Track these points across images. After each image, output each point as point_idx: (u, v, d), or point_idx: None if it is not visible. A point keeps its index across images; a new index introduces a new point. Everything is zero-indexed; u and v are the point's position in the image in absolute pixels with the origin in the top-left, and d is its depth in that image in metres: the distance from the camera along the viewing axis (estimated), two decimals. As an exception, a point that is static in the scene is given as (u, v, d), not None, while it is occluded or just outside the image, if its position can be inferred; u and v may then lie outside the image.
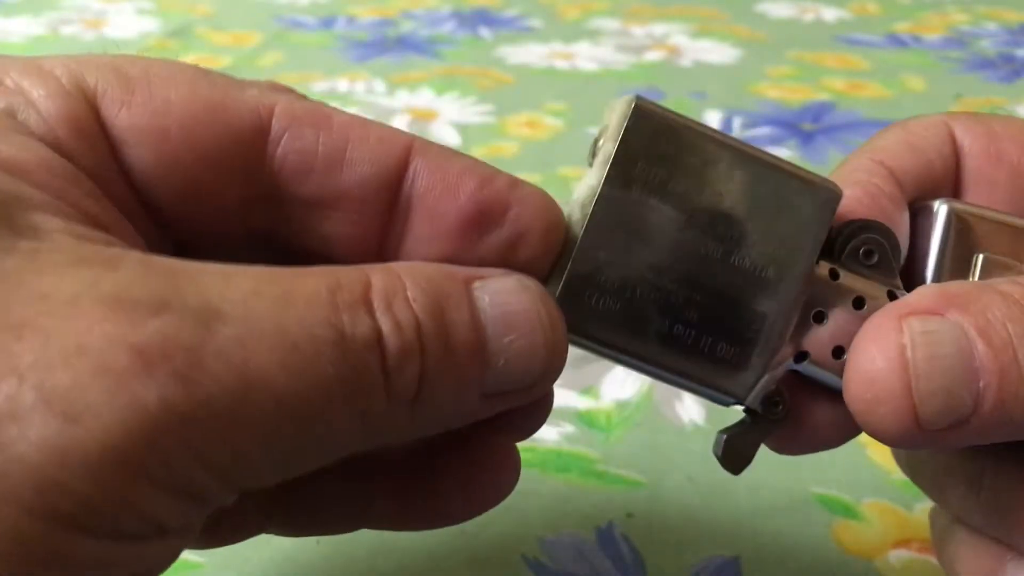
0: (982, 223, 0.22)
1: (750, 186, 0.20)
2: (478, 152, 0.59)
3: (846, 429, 0.22)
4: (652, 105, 0.20)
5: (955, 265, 0.22)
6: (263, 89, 0.20)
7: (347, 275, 0.17)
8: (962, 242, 0.22)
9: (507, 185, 0.19)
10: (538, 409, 0.22)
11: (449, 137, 0.61)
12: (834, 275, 0.21)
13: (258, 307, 0.15)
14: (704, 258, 0.20)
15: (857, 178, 0.22)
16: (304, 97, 0.20)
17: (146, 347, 0.14)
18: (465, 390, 0.18)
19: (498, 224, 0.19)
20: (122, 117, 0.18)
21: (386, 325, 0.16)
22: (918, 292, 0.20)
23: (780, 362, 0.21)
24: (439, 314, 0.17)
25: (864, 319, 0.20)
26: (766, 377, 0.21)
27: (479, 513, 0.23)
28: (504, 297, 0.18)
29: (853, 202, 0.21)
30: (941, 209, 0.22)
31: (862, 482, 0.33)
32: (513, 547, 0.31)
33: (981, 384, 0.18)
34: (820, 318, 0.21)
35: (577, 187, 0.21)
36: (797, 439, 0.22)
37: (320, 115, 0.19)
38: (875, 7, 0.91)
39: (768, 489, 0.33)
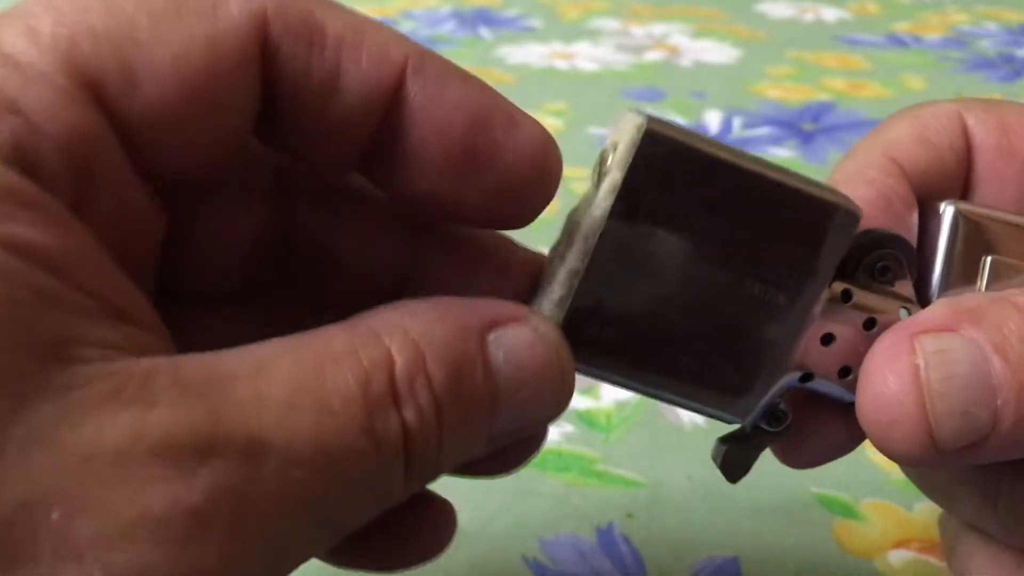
0: (989, 224, 0.21)
1: (765, 209, 0.19)
2: (478, 152, 0.59)
3: (851, 439, 0.21)
4: (663, 127, 0.18)
5: (963, 268, 0.21)
6: None
7: (372, 357, 0.16)
8: (969, 245, 0.21)
9: (503, 127, 0.19)
10: (527, 445, 0.22)
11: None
12: (846, 296, 0.20)
13: (298, 424, 0.15)
14: (713, 286, 0.19)
15: (870, 176, 0.22)
16: None
17: (201, 506, 0.14)
18: (472, 445, 0.18)
19: (488, 169, 0.19)
20: (131, 109, 0.17)
21: (410, 414, 0.16)
22: (930, 309, 0.19)
23: (784, 383, 0.21)
24: (456, 386, 0.17)
25: (872, 340, 0.20)
26: (768, 397, 0.20)
27: (414, 566, 0.22)
28: (519, 353, 0.18)
29: (867, 204, 0.21)
30: (947, 211, 0.21)
31: (862, 482, 0.33)
32: (513, 547, 0.31)
33: (999, 402, 0.18)
34: (828, 340, 0.20)
35: (581, 200, 0.20)
36: (803, 451, 0.22)
37: (313, 25, 0.18)
38: (875, 7, 0.91)
39: (768, 489, 0.33)
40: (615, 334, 0.19)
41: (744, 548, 0.31)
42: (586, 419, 0.36)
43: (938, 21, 0.86)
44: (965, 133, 0.23)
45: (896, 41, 0.81)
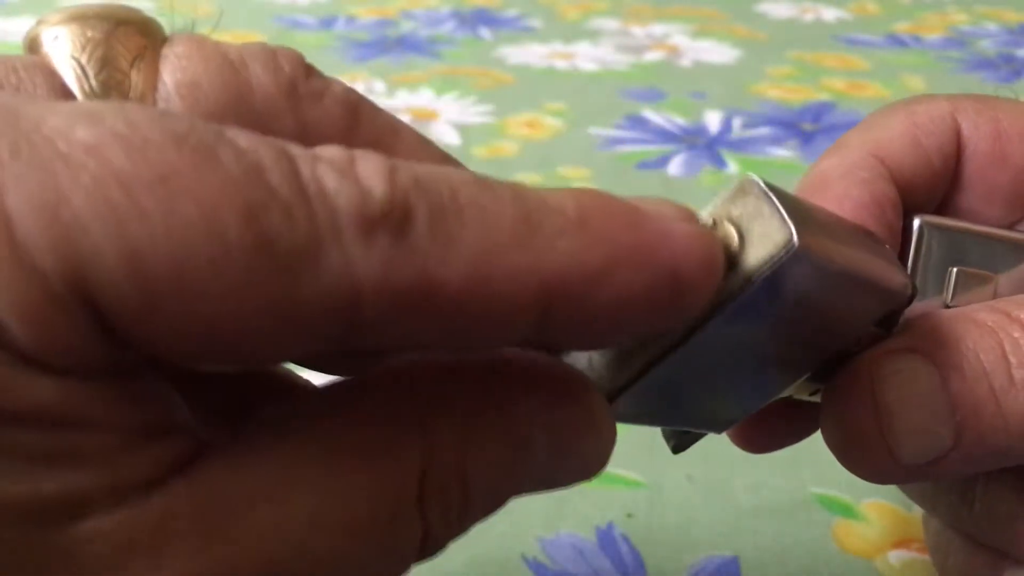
0: (956, 237, 0.22)
1: (845, 296, 0.17)
2: (478, 152, 0.59)
3: (805, 426, 0.22)
4: (813, 250, 0.16)
5: (930, 280, 0.22)
6: (346, 248, 0.12)
7: (408, 461, 0.14)
8: (936, 257, 0.22)
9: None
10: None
11: (449, 137, 0.61)
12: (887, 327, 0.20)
13: (318, 549, 0.13)
14: (762, 360, 0.18)
15: (862, 177, 0.21)
16: (406, 224, 0.13)
17: None
18: (485, 516, 0.16)
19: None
20: (139, 332, 0.12)
21: (433, 517, 0.15)
22: (893, 336, 0.19)
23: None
24: (493, 482, 0.15)
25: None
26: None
27: None
28: (563, 443, 0.16)
29: (860, 208, 0.21)
30: (914, 224, 0.22)
31: (862, 482, 0.33)
32: (513, 547, 0.31)
33: (958, 418, 0.18)
34: (817, 379, 0.20)
35: None
36: (757, 435, 0.22)
37: (427, 284, 0.13)
38: (875, 7, 0.91)
39: (768, 489, 0.33)
40: (659, 403, 0.18)
41: (744, 548, 0.31)
42: (586, 419, 0.36)
43: (938, 21, 0.87)
44: (957, 137, 0.23)
45: (896, 41, 0.81)
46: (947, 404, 0.18)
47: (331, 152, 0.13)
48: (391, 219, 0.12)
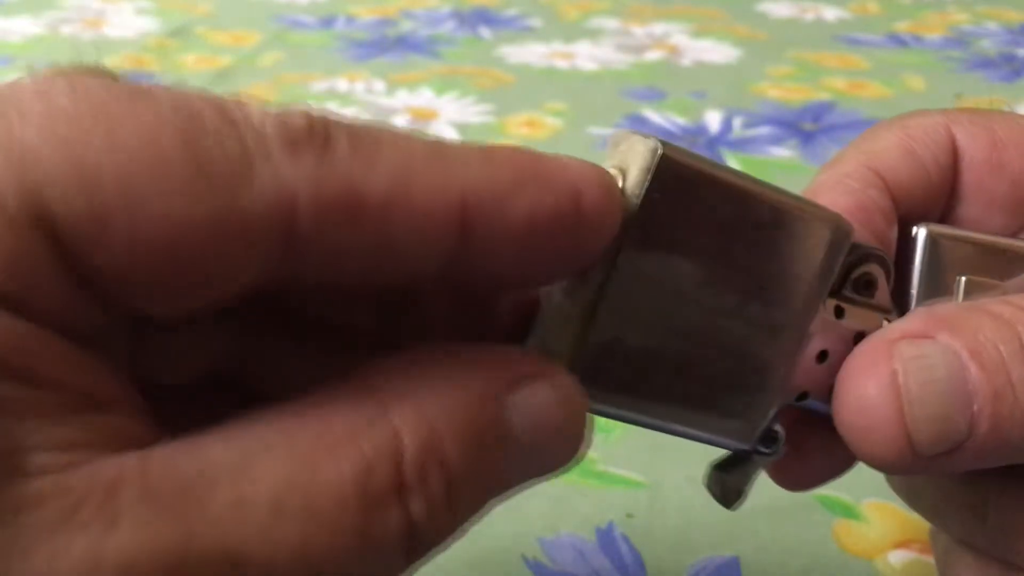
0: (962, 246, 0.22)
1: (768, 231, 0.19)
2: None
3: (845, 459, 0.21)
4: (678, 153, 0.18)
5: (938, 290, 0.21)
6: (276, 164, 0.14)
7: (375, 443, 0.14)
8: (943, 266, 0.21)
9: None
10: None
11: (449, 137, 0.61)
12: (839, 312, 0.20)
13: (282, 535, 0.13)
14: (719, 312, 0.19)
15: (851, 187, 0.22)
16: (328, 144, 0.14)
17: None
18: (479, 510, 0.16)
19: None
20: (95, 258, 0.13)
21: (417, 506, 0.15)
22: (906, 317, 0.19)
23: (783, 403, 0.20)
24: (473, 464, 0.15)
25: None
26: (769, 419, 0.20)
27: None
28: (539, 418, 0.16)
29: (845, 214, 0.20)
30: (920, 234, 0.22)
31: (862, 482, 0.33)
32: (513, 547, 0.31)
33: (975, 408, 0.18)
34: (823, 357, 0.20)
35: None
36: (797, 472, 0.21)
37: (353, 195, 0.14)
38: (875, 7, 0.91)
39: (768, 489, 0.33)
40: (626, 370, 0.18)
41: (744, 548, 0.31)
42: (586, 419, 0.36)
43: (938, 21, 0.86)
44: (952, 147, 0.22)
45: (896, 41, 0.81)
46: (966, 393, 0.18)
47: (250, 101, 0.14)
48: (314, 138, 0.14)
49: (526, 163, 0.16)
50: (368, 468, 0.14)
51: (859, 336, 0.20)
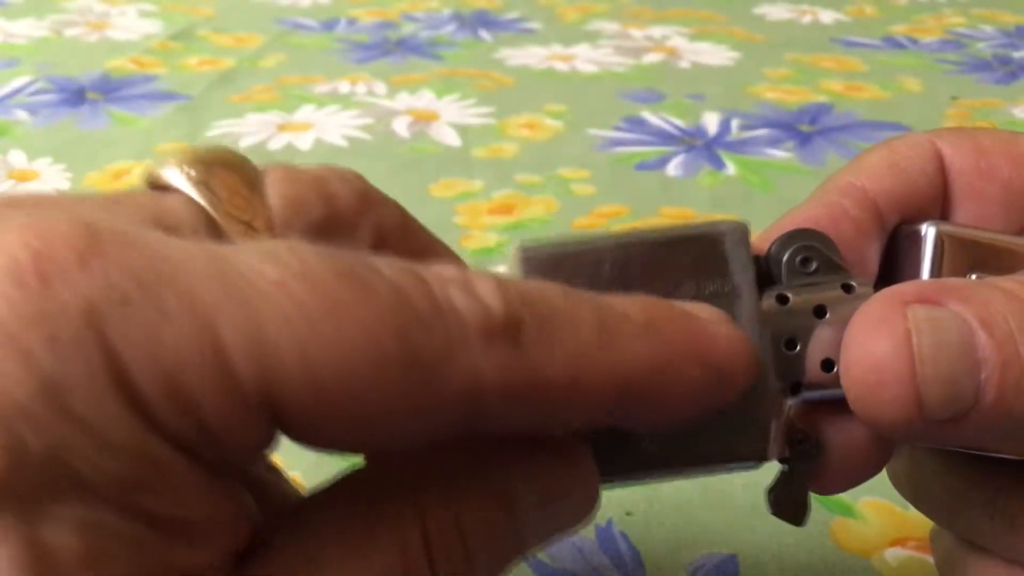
0: (971, 244, 0.21)
1: (661, 266, 0.20)
2: (478, 153, 0.59)
3: (877, 458, 0.21)
4: (536, 244, 0.20)
5: None
6: (473, 354, 0.15)
7: (402, 538, 0.16)
8: (953, 263, 0.21)
9: None
10: None
11: (449, 139, 0.61)
12: (783, 300, 0.20)
13: None
14: None
15: (828, 199, 0.22)
16: (519, 333, 0.16)
17: None
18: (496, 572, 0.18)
19: None
20: (303, 432, 0.15)
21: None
22: (917, 282, 0.19)
23: (780, 402, 0.20)
24: (490, 538, 0.17)
25: (833, 323, 0.20)
26: (774, 423, 0.20)
27: None
28: (554, 505, 0.18)
29: (811, 220, 0.21)
30: (929, 232, 0.21)
31: (859, 480, 0.34)
32: (514, 545, 0.31)
33: (983, 376, 0.18)
34: (792, 345, 0.20)
35: None
36: (831, 476, 0.21)
37: (534, 383, 0.16)
38: (872, 9, 0.91)
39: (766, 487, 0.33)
40: (614, 446, 0.19)
41: (742, 546, 0.31)
42: (586, 418, 0.37)
43: (934, 23, 0.87)
44: (938, 158, 0.23)
45: (893, 43, 0.81)
46: (975, 360, 0.18)
47: (451, 272, 0.16)
48: (508, 329, 0.15)
49: (682, 339, 0.17)
50: (406, 552, 0.16)
51: (818, 310, 0.20)
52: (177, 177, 0.19)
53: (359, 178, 0.20)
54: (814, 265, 0.20)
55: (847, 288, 0.20)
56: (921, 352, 0.18)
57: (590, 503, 0.19)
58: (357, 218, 0.20)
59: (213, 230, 0.18)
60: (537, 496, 0.18)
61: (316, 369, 0.14)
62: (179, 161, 0.19)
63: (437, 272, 0.16)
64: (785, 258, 0.20)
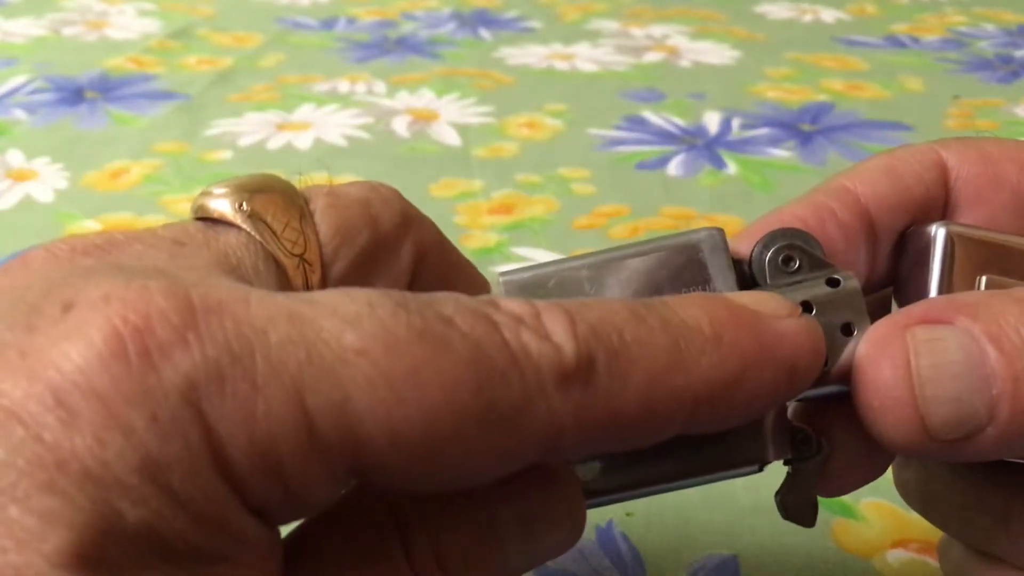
0: (980, 244, 0.21)
1: (636, 281, 0.20)
2: (478, 153, 0.59)
3: (880, 460, 0.21)
4: (516, 270, 0.20)
5: (957, 289, 0.21)
6: (550, 399, 0.16)
7: (390, 560, 0.17)
8: (963, 264, 0.21)
9: None
10: None
11: (449, 138, 0.61)
12: None
13: None
14: None
15: (816, 200, 0.22)
16: (592, 372, 0.16)
17: None
18: None
19: None
20: (381, 483, 0.16)
21: None
22: (926, 301, 0.19)
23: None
24: (470, 561, 0.17)
25: (822, 321, 0.19)
26: (769, 424, 0.20)
27: None
28: (530, 522, 0.18)
29: (797, 221, 0.21)
30: (939, 232, 0.21)
31: (860, 481, 0.33)
32: (513, 546, 0.31)
33: (994, 392, 0.18)
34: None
35: None
36: (834, 478, 0.21)
37: (608, 418, 0.16)
38: (873, 8, 0.91)
39: (767, 487, 0.33)
40: (606, 465, 0.20)
41: (743, 547, 0.31)
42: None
43: (936, 22, 0.87)
44: (939, 166, 0.23)
45: (894, 42, 0.81)
46: (984, 376, 0.18)
47: (522, 309, 0.16)
48: (580, 371, 0.16)
49: (751, 344, 0.17)
50: (395, 572, 0.17)
51: (805, 306, 0.20)
52: (230, 210, 0.19)
53: (398, 197, 0.21)
54: (797, 264, 0.20)
55: (832, 283, 0.20)
56: (920, 373, 0.18)
57: (576, 524, 0.19)
58: (399, 239, 0.20)
59: (270, 263, 0.18)
60: (520, 519, 0.18)
61: (399, 431, 0.15)
62: (229, 192, 0.19)
63: (508, 311, 0.16)
64: (768, 258, 0.20)
